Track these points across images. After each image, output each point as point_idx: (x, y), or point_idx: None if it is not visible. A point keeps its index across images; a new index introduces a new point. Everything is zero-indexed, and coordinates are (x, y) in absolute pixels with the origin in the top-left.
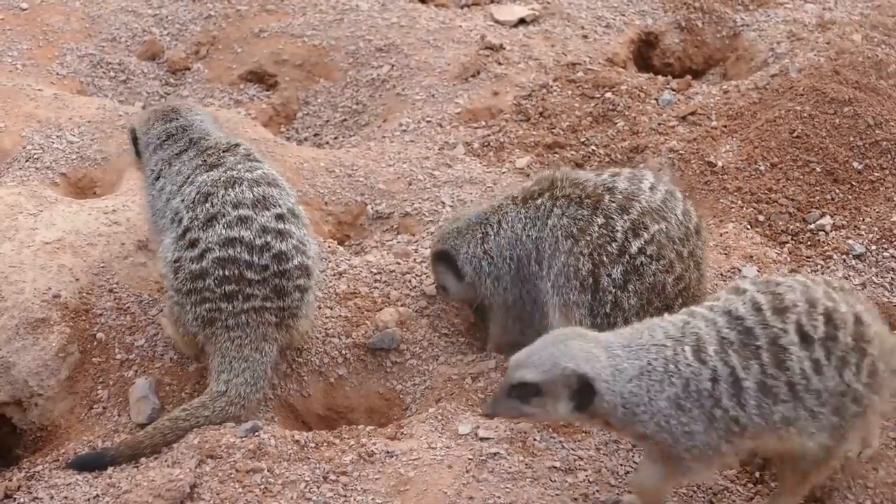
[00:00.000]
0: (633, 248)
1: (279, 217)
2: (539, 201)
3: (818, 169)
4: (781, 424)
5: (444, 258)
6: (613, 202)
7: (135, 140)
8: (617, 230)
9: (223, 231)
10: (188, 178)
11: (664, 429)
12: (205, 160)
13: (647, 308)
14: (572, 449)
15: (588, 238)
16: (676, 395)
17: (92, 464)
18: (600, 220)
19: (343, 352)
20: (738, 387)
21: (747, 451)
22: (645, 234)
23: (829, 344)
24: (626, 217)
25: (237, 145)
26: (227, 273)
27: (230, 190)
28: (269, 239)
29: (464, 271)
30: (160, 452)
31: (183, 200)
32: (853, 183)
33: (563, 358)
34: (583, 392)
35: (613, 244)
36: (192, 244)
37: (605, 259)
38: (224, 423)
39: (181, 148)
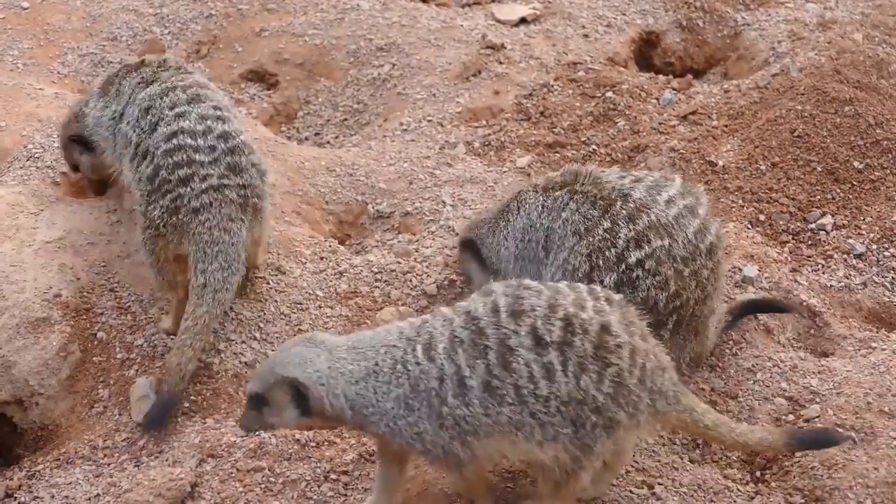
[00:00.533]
0: (632, 259)
1: (216, 107)
2: (558, 193)
3: (819, 168)
4: (509, 427)
5: (469, 246)
6: (624, 209)
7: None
8: (619, 237)
9: (164, 129)
10: (130, 97)
11: (394, 431)
12: (143, 78)
13: None
14: None
15: (590, 239)
16: (405, 395)
17: (162, 415)
18: (606, 225)
19: None
20: (463, 385)
21: (494, 459)
22: (646, 247)
23: (565, 349)
24: (631, 227)
25: (165, 60)
26: (176, 160)
27: (165, 98)
28: (209, 123)
29: (488, 260)
30: (189, 377)
31: (128, 122)
32: (854, 182)
33: (279, 366)
34: (301, 397)
35: (613, 250)
36: (144, 154)
37: (601, 264)
38: (222, 309)
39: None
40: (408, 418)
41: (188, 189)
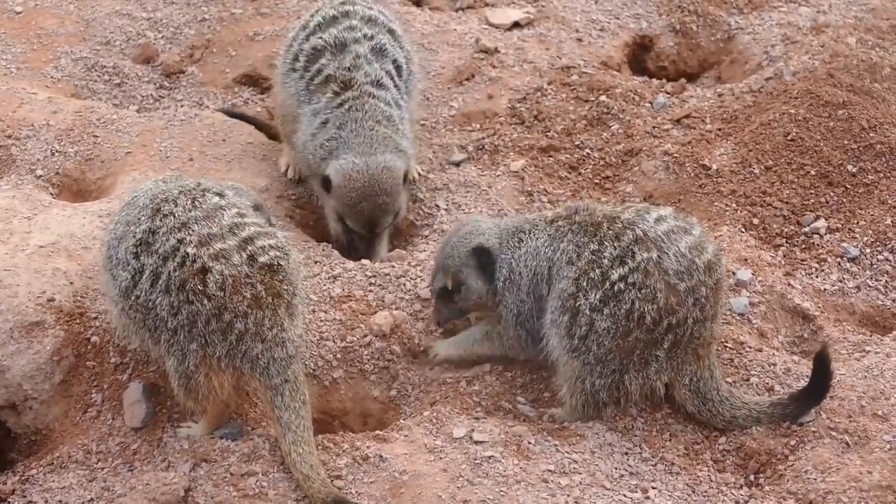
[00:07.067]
0: (615, 276)
1: None
2: (560, 223)
3: (812, 172)
4: None
5: (481, 254)
6: (611, 230)
7: None
8: (604, 257)
9: None
10: None
11: None
12: None
13: (625, 337)
14: (567, 452)
15: (580, 264)
16: None
17: None
18: (593, 247)
19: (337, 355)
20: None
21: None
22: (630, 262)
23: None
24: (616, 244)
25: None
26: None
27: None
28: None
29: (498, 274)
30: None
31: None
32: (847, 186)
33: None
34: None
35: (597, 270)
36: None
37: (586, 285)
38: None
39: None
40: None
41: None
